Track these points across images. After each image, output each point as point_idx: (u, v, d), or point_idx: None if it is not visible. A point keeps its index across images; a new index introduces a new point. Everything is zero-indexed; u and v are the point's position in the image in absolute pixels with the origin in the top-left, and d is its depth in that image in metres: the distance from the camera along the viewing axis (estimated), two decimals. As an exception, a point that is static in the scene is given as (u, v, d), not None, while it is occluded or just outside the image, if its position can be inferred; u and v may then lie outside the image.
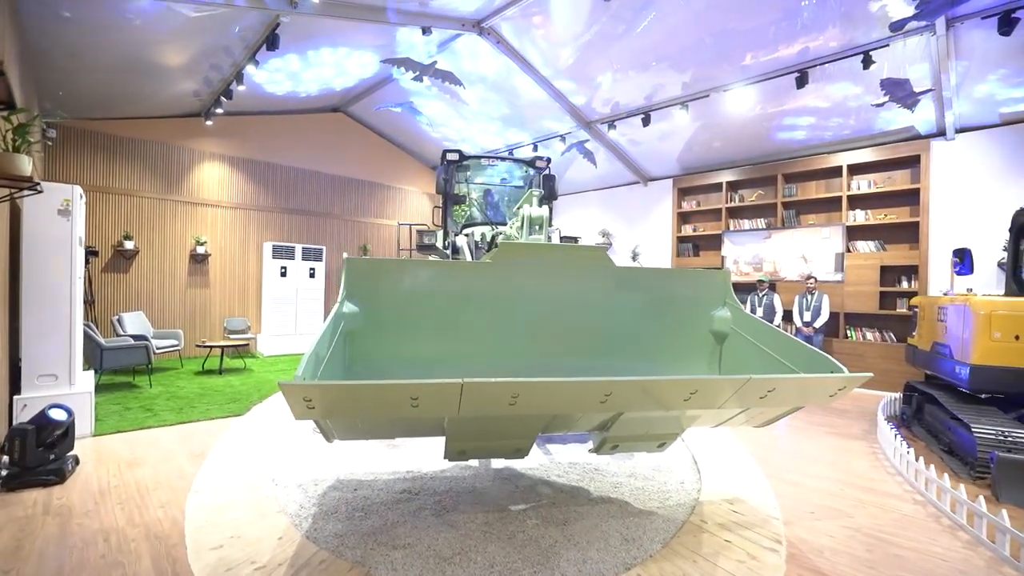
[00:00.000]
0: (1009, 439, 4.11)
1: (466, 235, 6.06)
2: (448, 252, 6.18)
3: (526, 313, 3.47)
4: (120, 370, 7.16)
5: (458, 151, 6.36)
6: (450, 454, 2.96)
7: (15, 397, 4.38)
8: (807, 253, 8.51)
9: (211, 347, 7.91)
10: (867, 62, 6.24)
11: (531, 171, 6.69)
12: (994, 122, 6.99)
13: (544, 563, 2.73)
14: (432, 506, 3.41)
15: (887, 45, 6.20)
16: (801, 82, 6.79)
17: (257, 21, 6.31)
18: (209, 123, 9.27)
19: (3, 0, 3.74)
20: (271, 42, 6.29)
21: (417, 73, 7.51)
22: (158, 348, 7.60)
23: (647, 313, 3.64)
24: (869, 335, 7.95)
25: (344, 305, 3.05)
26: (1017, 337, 4.60)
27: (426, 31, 6.98)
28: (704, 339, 3.71)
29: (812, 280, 8.01)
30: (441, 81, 7.85)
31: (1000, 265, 6.81)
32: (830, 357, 2.71)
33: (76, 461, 3.91)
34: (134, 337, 7.29)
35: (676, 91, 8.04)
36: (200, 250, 9.36)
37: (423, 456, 4.37)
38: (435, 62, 7.52)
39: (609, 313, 3.59)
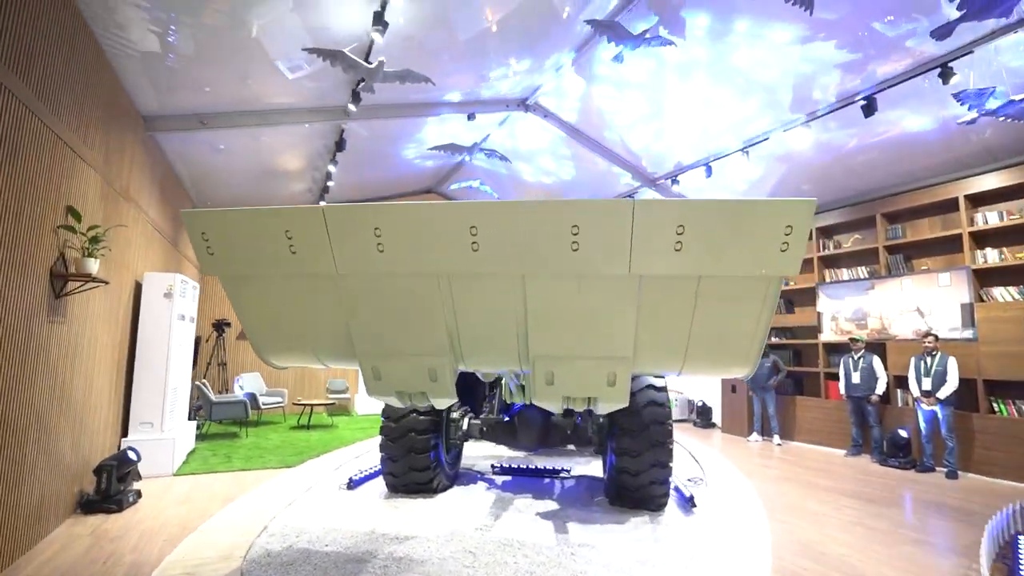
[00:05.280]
0: None
1: None
2: None
3: None
4: (231, 421, 8.57)
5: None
6: (368, 382, 2.92)
7: (123, 439, 5.60)
8: (923, 305, 6.92)
9: (304, 405, 9.08)
10: (945, 76, 5.26)
11: None
12: None
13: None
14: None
15: (971, 52, 5.19)
16: (868, 110, 5.93)
17: (329, 128, 7.65)
18: (321, 213, 11.13)
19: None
20: (340, 145, 7.55)
21: (463, 155, 8.25)
22: (264, 404, 8.97)
23: None
24: (1027, 410, 6.03)
25: None
26: None
27: (471, 117, 7.73)
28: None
29: (931, 338, 6.49)
30: (487, 157, 8.49)
31: None
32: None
33: (138, 495, 4.81)
34: (247, 395, 8.74)
35: (733, 142, 7.55)
36: (311, 319, 10.96)
37: (417, 524, 4.44)
38: (476, 143, 8.20)
39: None
